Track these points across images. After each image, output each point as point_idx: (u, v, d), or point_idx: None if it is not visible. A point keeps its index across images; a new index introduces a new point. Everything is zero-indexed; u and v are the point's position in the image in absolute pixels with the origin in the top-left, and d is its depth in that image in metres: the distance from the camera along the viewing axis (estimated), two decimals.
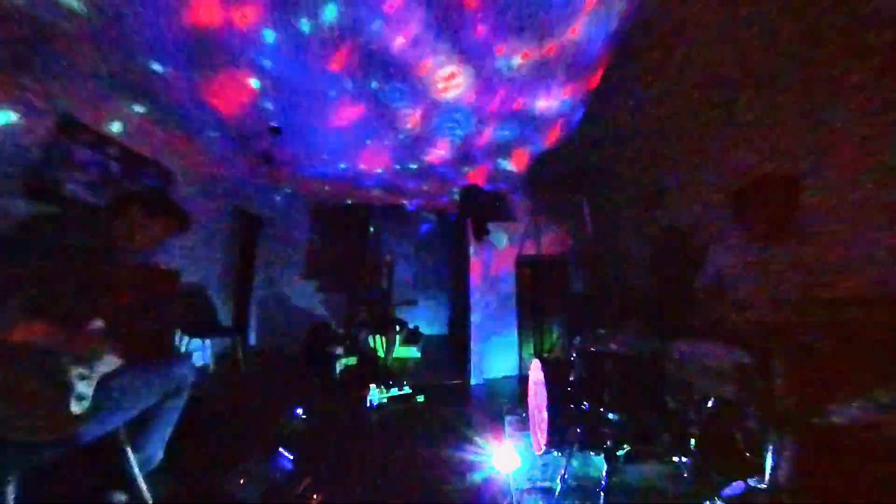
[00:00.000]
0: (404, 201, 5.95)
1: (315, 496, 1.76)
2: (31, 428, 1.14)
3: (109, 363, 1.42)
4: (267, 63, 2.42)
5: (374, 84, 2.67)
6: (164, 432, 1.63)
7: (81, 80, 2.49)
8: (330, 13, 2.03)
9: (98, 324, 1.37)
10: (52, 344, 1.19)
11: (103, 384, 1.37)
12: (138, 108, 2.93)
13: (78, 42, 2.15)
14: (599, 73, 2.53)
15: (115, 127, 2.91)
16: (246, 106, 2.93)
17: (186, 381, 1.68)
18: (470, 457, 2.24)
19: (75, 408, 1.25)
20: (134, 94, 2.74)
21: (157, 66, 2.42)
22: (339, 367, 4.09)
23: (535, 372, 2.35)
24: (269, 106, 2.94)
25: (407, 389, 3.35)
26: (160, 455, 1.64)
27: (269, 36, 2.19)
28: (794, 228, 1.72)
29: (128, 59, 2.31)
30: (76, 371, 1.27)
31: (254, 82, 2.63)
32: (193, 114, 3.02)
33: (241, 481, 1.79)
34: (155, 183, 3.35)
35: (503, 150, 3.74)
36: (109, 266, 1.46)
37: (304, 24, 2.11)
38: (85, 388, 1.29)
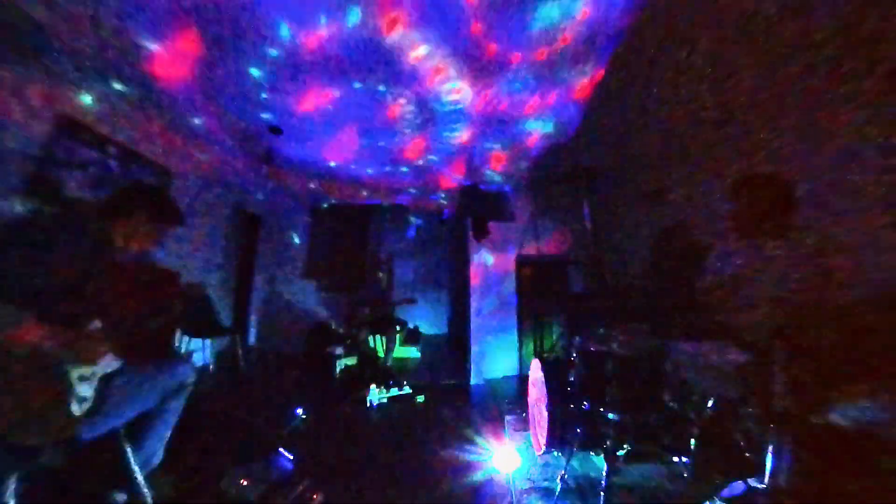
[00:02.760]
0: (404, 201, 5.95)
1: (315, 496, 1.76)
2: (32, 429, 1.14)
3: (109, 364, 1.42)
4: (265, 62, 2.41)
5: (372, 85, 2.67)
6: (164, 432, 1.63)
7: (79, 74, 2.47)
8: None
9: (97, 324, 1.37)
10: (53, 345, 1.19)
11: (104, 385, 1.37)
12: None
13: (74, 32, 2.12)
14: (600, 73, 2.53)
15: (114, 126, 2.91)
16: (245, 104, 2.93)
17: (187, 382, 1.68)
18: (470, 457, 2.24)
19: (76, 409, 1.25)
20: (132, 90, 2.71)
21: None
22: (339, 367, 4.09)
23: (535, 372, 2.36)
24: (266, 104, 2.93)
25: (407, 389, 3.34)
26: (160, 455, 1.64)
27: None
28: (792, 228, 1.72)
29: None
30: (76, 372, 1.27)
31: (255, 71, 2.58)
32: (194, 113, 3.02)
33: (241, 481, 1.79)
34: (154, 182, 3.35)
35: (502, 150, 3.74)
36: (110, 266, 1.46)
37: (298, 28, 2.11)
38: (85, 389, 1.29)
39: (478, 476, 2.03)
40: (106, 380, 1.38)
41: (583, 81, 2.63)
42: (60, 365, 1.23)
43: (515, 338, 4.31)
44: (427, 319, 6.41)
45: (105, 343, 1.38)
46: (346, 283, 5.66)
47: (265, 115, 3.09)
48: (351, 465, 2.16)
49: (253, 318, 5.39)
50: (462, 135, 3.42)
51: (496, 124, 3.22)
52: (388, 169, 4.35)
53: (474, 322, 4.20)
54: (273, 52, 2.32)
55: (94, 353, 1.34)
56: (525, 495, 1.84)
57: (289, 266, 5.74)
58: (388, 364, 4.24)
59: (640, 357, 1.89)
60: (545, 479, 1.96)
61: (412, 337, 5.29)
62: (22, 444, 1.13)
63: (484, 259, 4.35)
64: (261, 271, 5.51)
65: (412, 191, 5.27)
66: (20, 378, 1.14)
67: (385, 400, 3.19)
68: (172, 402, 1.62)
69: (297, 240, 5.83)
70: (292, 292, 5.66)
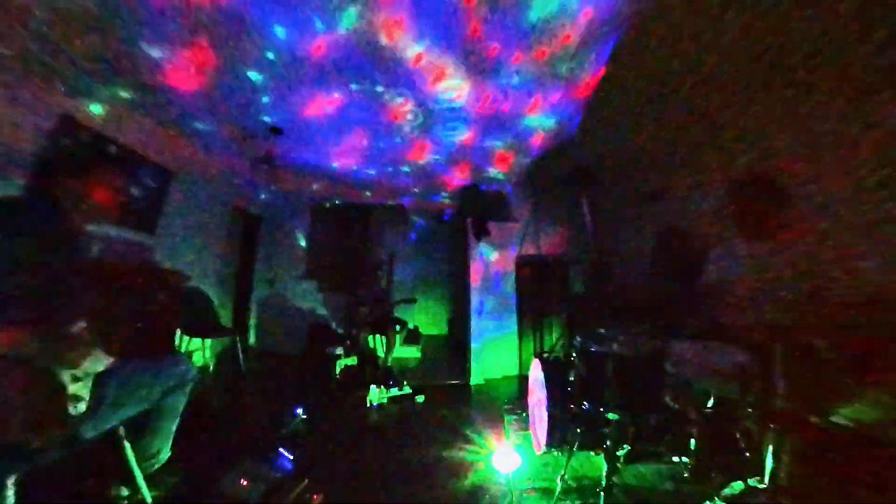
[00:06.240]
0: (403, 201, 5.94)
1: (315, 496, 1.76)
2: (31, 432, 1.13)
3: (99, 362, 1.41)
4: (265, 63, 2.41)
5: (372, 86, 2.67)
6: (168, 429, 1.64)
7: (78, 73, 2.46)
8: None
9: (81, 324, 1.35)
10: (33, 348, 1.16)
11: (102, 382, 1.36)
12: (134, 98, 2.84)
13: (75, 30, 2.11)
14: (599, 73, 2.53)
15: (114, 126, 2.90)
16: (244, 106, 2.92)
17: (187, 377, 1.67)
18: (470, 457, 2.23)
19: (72, 409, 1.24)
20: (132, 87, 2.69)
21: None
22: (339, 367, 4.09)
23: (535, 371, 2.36)
24: (267, 105, 2.93)
25: (407, 389, 3.34)
26: (168, 451, 1.65)
27: (279, 32, 2.16)
28: (788, 228, 1.72)
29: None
30: (66, 373, 1.25)
31: (253, 75, 2.59)
32: (192, 113, 3.02)
33: (241, 481, 1.79)
34: (154, 183, 3.36)
35: (502, 150, 3.74)
36: (95, 266, 1.45)
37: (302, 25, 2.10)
38: (79, 388, 1.28)
39: (478, 476, 2.03)
40: (104, 377, 1.37)
41: (583, 81, 2.63)
42: (46, 368, 1.20)
43: (515, 338, 4.31)
44: (427, 319, 6.41)
45: (90, 342, 1.36)
46: (346, 283, 5.66)
47: (265, 118, 3.09)
48: (351, 465, 2.16)
49: (253, 318, 5.39)
50: (462, 135, 3.42)
51: (496, 124, 3.22)
52: (388, 170, 4.35)
53: (474, 322, 4.20)
54: (270, 55, 2.32)
55: (77, 355, 1.30)
56: (525, 495, 1.84)
57: (289, 266, 5.74)
58: (388, 364, 4.24)
59: (640, 357, 1.89)
60: (545, 479, 1.96)
61: (412, 337, 5.29)
62: (23, 447, 1.12)
63: (484, 259, 4.35)
64: (260, 271, 5.50)
65: (413, 191, 5.27)
66: (9, 386, 1.12)
67: (385, 400, 3.19)
68: (173, 398, 1.62)
69: (297, 240, 5.83)
70: (292, 292, 5.66)
